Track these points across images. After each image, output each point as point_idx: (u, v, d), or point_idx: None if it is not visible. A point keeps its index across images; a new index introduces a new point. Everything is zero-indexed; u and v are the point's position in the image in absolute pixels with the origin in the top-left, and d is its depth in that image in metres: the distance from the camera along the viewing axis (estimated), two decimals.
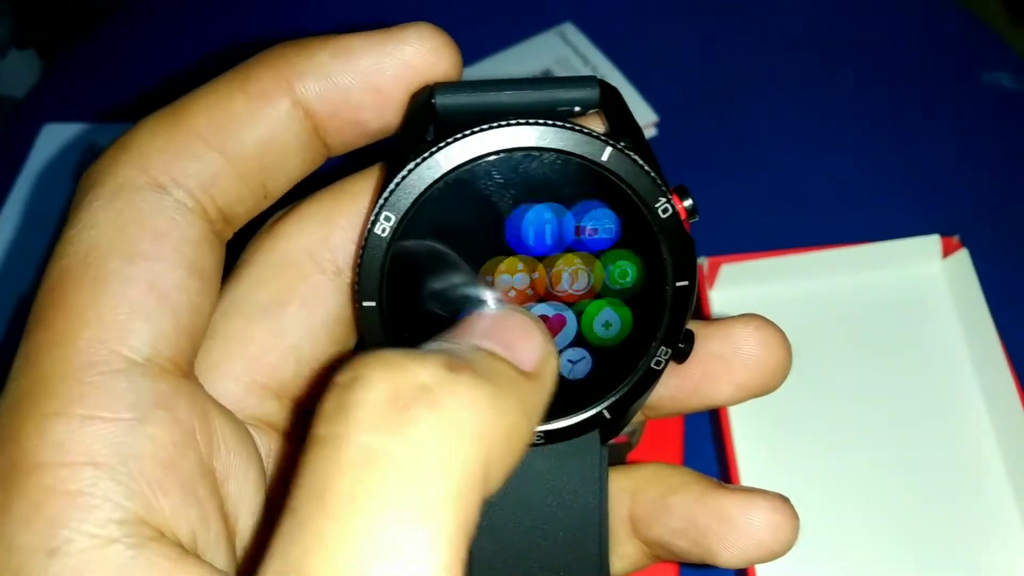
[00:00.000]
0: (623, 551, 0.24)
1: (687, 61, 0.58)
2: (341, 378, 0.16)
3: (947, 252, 0.44)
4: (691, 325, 0.22)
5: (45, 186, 0.54)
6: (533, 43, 0.57)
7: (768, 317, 0.24)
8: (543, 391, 0.18)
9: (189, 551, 0.17)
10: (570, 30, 0.57)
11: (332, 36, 0.20)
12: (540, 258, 0.21)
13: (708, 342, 0.23)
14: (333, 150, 0.21)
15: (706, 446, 0.44)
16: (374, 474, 0.15)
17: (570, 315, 0.21)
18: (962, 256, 0.43)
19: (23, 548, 0.16)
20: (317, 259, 0.22)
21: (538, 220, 0.21)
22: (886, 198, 0.51)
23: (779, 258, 0.44)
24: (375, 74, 0.20)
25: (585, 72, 0.55)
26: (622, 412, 0.22)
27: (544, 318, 0.21)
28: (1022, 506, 0.39)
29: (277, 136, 0.20)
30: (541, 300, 0.21)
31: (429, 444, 0.15)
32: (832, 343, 0.44)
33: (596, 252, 0.21)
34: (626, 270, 0.21)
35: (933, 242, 0.44)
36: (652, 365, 0.22)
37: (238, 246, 0.22)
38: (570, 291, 0.21)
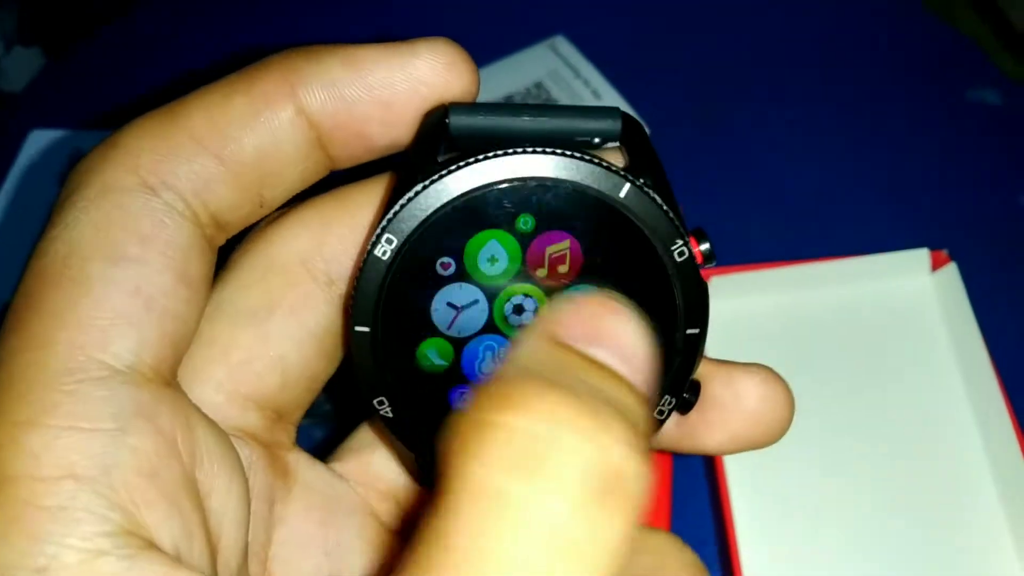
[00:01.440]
0: None
1: (678, 75, 0.58)
2: (520, 423, 0.14)
3: (936, 266, 0.45)
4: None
5: (31, 193, 0.53)
6: (524, 56, 0.57)
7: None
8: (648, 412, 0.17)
9: (178, 563, 0.16)
10: (561, 43, 0.58)
11: (343, 45, 0.20)
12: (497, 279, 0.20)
13: (709, 384, 0.22)
14: (337, 163, 0.20)
15: (695, 457, 0.44)
16: (556, 552, 0.14)
17: None
18: (951, 270, 0.43)
19: (7, 567, 0.15)
20: (309, 267, 0.21)
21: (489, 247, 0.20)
22: (875, 212, 0.51)
23: (767, 271, 0.44)
24: (385, 88, 0.19)
25: (576, 85, 0.55)
26: None
27: None
28: (1011, 518, 0.39)
29: (277, 143, 0.19)
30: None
31: (611, 533, 0.14)
32: (820, 356, 0.44)
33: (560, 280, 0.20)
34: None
35: (922, 256, 0.44)
36: (655, 415, 0.21)
37: (228, 247, 0.21)
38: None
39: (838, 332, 0.44)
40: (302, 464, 0.22)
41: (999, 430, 0.39)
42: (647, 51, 0.59)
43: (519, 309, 0.20)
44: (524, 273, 0.20)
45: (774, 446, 0.41)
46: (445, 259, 0.20)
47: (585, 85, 0.55)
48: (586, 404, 0.15)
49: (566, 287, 0.20)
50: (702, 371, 0.22)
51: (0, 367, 0.17)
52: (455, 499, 0.14)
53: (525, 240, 0.20)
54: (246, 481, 0.20)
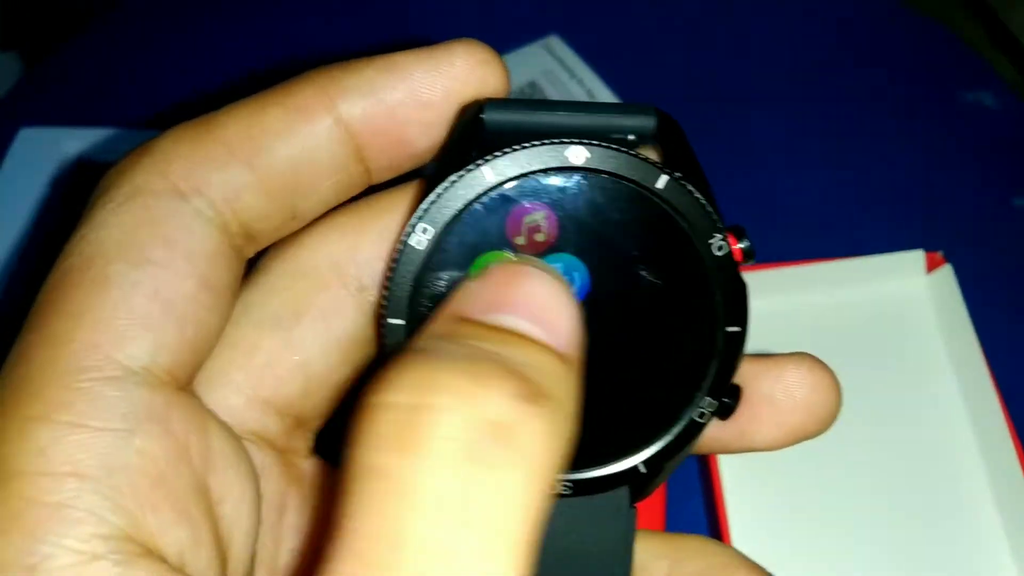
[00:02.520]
0: None
1: (672, 75, 0.58)
2: (396, 398, 0.14)
3: (931, 267, 0.44)
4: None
5: (20, 190, 0.53)
6: (519, 55, 0.57)
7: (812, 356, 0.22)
8: (577, 377, 0.16)
9: (177, 572, 0.16)
10: (556, 43, 0.57)
11: (377, 56, 0.20)
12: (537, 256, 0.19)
13: (757, 382, 0.22)
14: (375, 175, 0.20)
15: (688, 459, 0.43)
16: (449, 520, 0.14)
17: None
18: (946, 271, 0.43)
19: (3, 564, 0.15)
20: (340, 272, 0.20)
21: (531, 219, 0.19)
22: (870, 213, 0.51)
23: (763, 272, 0.44)
24: (425, 89, 0.19)
25: (571, 84, 0.55)
26: (658, 468, 0.20)
27: None
28: (1005, 519, 0.39)
29: (313, 154, 0.19)
30: None
31: (505, 489, 0.14)
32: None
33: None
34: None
35: (917, 257, 0.44)
36: (695, 417, 0.20)
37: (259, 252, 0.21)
38: None
39: (833, 333, 0.44)
40: (318, 472, 0.22)
41: (994, 431, 0.39)
42: (642, 51, 0.59)
43: None
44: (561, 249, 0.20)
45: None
46: (483, 246, 0.19)
47: (580, 85, 0.55)
48: (462, 368, 0.15)
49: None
50: (746, 368, 0.21)
51: (17, 362, 0.17)
52: (346, 486, 0.14)
53: (560, 227, 0.19)
54: (259, 488, 0.19)
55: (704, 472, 0.41)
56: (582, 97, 0.54)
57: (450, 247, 0.19)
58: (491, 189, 0.19)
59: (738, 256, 0.20)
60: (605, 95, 0.54)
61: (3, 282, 0.50)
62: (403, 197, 0.21)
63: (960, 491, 0.40)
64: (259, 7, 0.63)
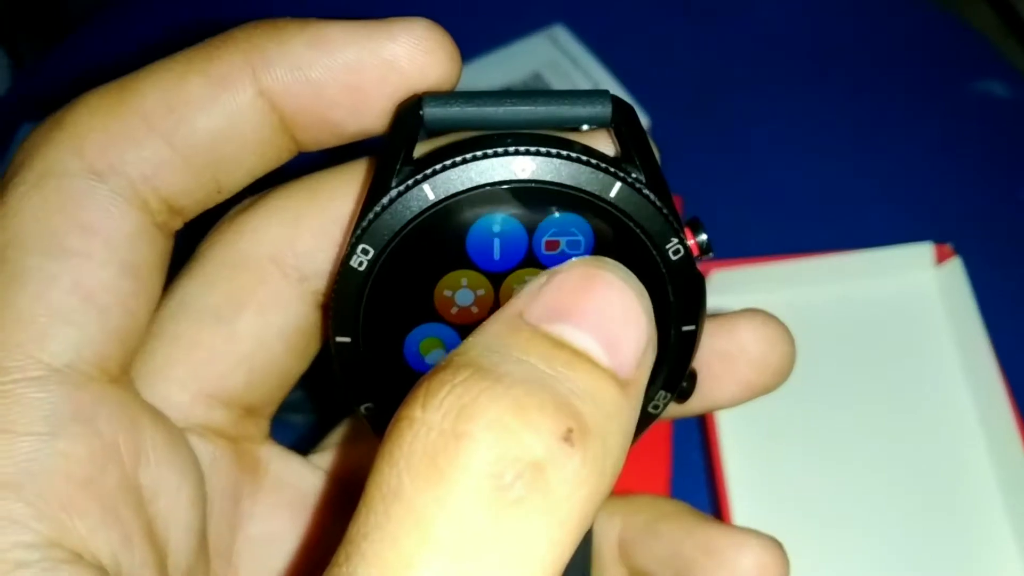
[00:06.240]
0: None
1: (679, 65, 0.57)
2: (434, 417, 0.14)
3: (940, 260, 0.44)
4: None
5: None
6: (521, 46, 0.56)
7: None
8: (638, 403, 0.15)
9: (112, 575, 0.16)
10: (560, 32, 0.57)
11: (311, 21, 0.18)
12: (499, 274, 0.19)
13: (711, 339, 0.21)
14: (303, 146, 0.19)
15: (695, 456, 0.43)
16: (470, 562, 0.13)
17: None
18: (955, 264, 0.43)
19: None
20: (280, 263, 0.20)
21: (491, 232, 0.18)
22: (879, 205, 0.50)
23: (770, 265, 0.44)
24: (354, 72, 0.18)
25: (575, 75, 0.54)
26: None
27: None
28: (1012, 513, 0.38)
29: (236, 127, 0.18)
30: None
31: (531, 535, 0.13)
32: (823, 350, 0.43)
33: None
34: None
35: (926, 250, 0.44)
36: (649, 408, 0.20)
37: (199, 235, 0.20)
38: None
39: (841, 326, 0.44)
40: (275, 458, 0.22)
41: (1001, 424, 0.39)
42: (648, 41, 0.58)
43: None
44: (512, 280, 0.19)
45: (776, 441, 0.41)
46: (424, 267, 0.19)
47: (584, 76, 0.54)
48: (506, 396, 0.14)
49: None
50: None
51: None
52: (367, 498, 0.14)
53: (503, 257, 0.18)
54: (202, 480, 0.19)
55: (709, 470, 0.41)
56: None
57: (395, 266, 0.18)
58: (434, 206, 0.18)
59: (696, 251, 0.19)
60: (611, 86, 0.54)
61: None
62: (341, 181, 0.20)
63: (967, 484, 0.39)
64: (258, 7, 0.63)
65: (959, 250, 0.43)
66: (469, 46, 0.60)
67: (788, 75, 0.56)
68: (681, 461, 0.42)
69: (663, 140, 0.61)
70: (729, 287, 0.44)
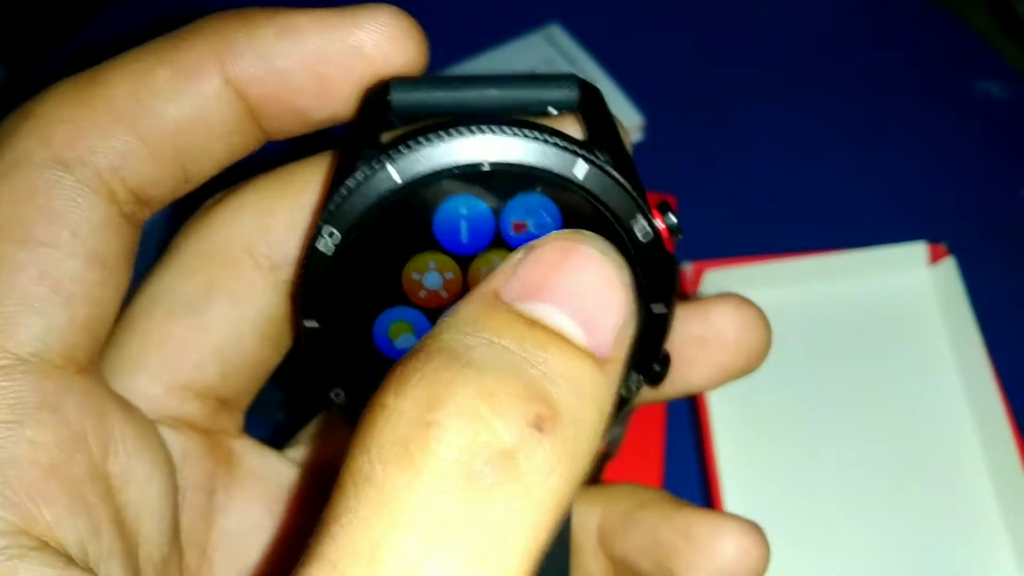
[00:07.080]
0: (589, 567, 0.23)
1: (675, 64, 0.57)
2: (404, 405, 0.14)
3: (934, 259, 0.44)
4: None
5: None
6: (518, 44, 0.56)
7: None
8: (616, 382, 0.15)
9: (80, 563, 0.16)
10: (556, 31, 0.57)
11: (280, 11, 0.18)
12: (467, 256, 0.19)
13: (686, 324, 0.21)
14: (271, 135, 0.19)
15: (688, 455, 0.43)
16: (439, 544, 0.13)
17: None
18: (949, 263, 0.43)
19: None
20: (252, 253, 0.20)
21: (458, 214, 0.18)
22: (874, 205, 0.50)
23: (765, 264, 0.44)
24: (320, 59, 0.18)
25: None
26: None
27: None
28: (1005, 511, 0.38)
29: (203, 116, 0.18)
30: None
31: (503, 521, 0.13)
32: (818, 349, 0.43)
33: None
34: None
35: (920, 249, 0.44)
36: (622, 393, 0.19)
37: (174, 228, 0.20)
38: None
39: (835, 325, 0.44)
40: (249, 451, 0.22)
41: (994, 424, 0.39)
42: (644, 40, 0.58)
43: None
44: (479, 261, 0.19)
45: (770, 439, 0.41)
46: (391, 250, 0.18)
47: (580, 75, 0.54)
48: (477, 382, 0.14)
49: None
50: (676, 313, 0.21)
51: None
52: (341, 484, 0.14)
53: (470, 239, 0.18)
54: (173, 471, 0.19)
55: (702, 467, 0.41)
56: None
57: (362, 249, 0.18)
58: (400, 188, 0.18)
59: (664, 233, 0.19)
60: (606, 84, 0.54)
61: None
62: (312, 171, 0.20)
63: (960, 483, 0.39)
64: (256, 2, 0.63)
65: (954, 250, 0.43)
66: (465, 45, 0.61)
67: (784, 74, 0.56)
68: (674, 462, 0.42)
69: (657, 139, 0.61)
70: (724, 286, 0.44)
